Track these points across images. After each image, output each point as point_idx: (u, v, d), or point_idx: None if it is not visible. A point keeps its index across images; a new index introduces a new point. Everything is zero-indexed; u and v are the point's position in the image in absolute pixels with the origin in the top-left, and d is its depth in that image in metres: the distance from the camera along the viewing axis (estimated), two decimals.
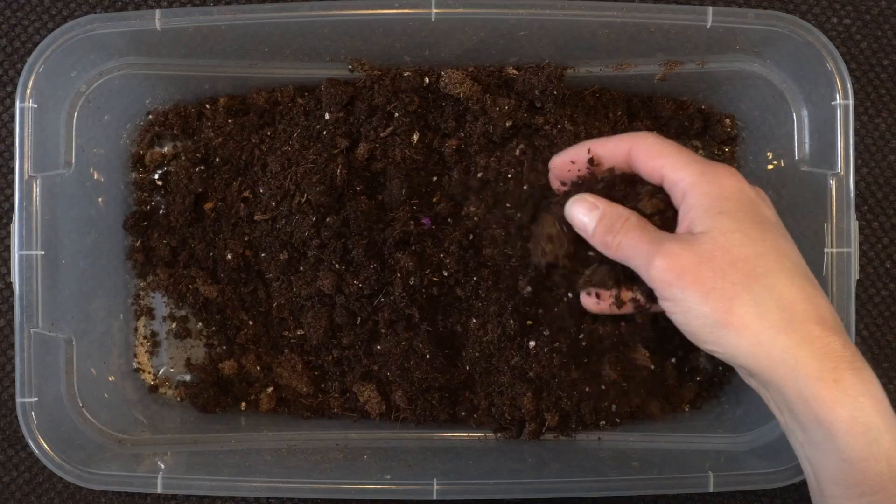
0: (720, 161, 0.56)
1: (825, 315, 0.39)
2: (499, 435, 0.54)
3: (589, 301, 0.48)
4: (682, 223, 0.42)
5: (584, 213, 0.44)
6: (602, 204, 0.44)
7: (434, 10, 0.48)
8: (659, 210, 0.44)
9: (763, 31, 0.49)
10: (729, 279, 0.39)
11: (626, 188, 0.45)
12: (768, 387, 0.40)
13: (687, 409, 0.56)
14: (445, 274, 0.53)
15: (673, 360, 0.55)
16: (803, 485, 0.55)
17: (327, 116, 0.53)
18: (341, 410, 0.55)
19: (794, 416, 0.40)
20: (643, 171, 0.44)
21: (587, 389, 0.52)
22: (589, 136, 0.53)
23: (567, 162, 0.46)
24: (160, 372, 0.57)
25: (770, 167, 0.54)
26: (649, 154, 0.43)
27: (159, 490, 0.49)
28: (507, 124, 0.52)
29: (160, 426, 0.55)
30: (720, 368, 0.56)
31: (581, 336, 0.52)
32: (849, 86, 0.48)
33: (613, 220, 0.43)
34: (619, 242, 0.43)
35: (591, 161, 0.45)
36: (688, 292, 0.40)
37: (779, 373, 0.39)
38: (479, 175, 0.52)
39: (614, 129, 0.54)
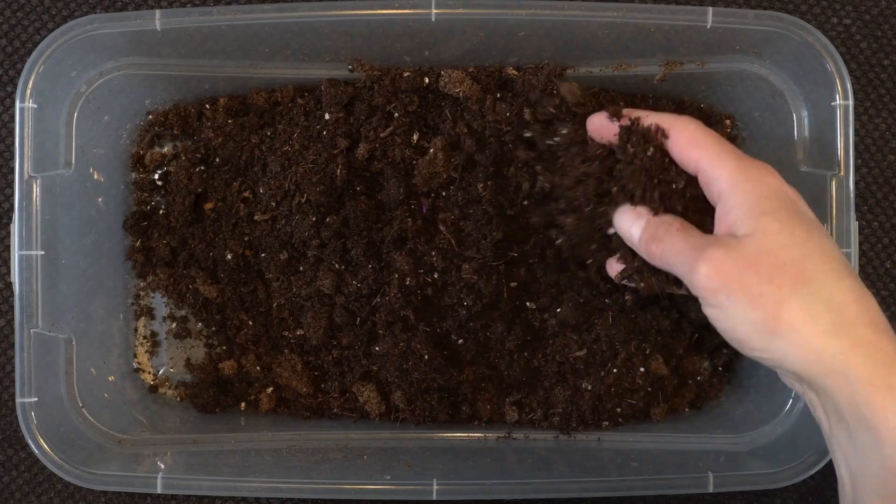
0: None
1: (876, 317, 0.38)
2: (499, 435, 0.54)
3: (615, 268, 0.47)
4: (722, 224, 0.41)
5: (630, 223, 0.44)
6: (644, 215, 0.44)
7: (434, 11, 0.48)
8: (692, 203, 0.43)
9: (763, 31, 0.49)
10: (776, 283, 0.38)
11: (656, 167, 0.44)
12: (818, 392, 0.39)
13: (687, 409, 0.56)
14: (441, 274, 0.53)
15: (673, 362, 0.55)
16: (803, 485, 0.55)
17: (327, 117, 0.53)
18: (341, 410, 0.55)
19: (843, 423, 0.38)
20: (678, 158, 0.43)
21: (589, 388, 0.52)
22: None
23: (605, 121, 0.46)
24: (160, 372, 0.57)
25: None
26: (687, 143, 0.42)
27: (159, 490, 0.49)
28: (505, 129, 0.52)
29: (160, 426, 0.55)
30: (720, 369, 0.56)
31: (596, 344, 0.52)
32: (849, 86, 0.48)
33: (657, 228, 0.43)
34: (663, 250, 0.42)
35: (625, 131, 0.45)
36: (734, 298, 0.39)
37: (830, 378, 0.38)
38: (479, 185, 0.52)
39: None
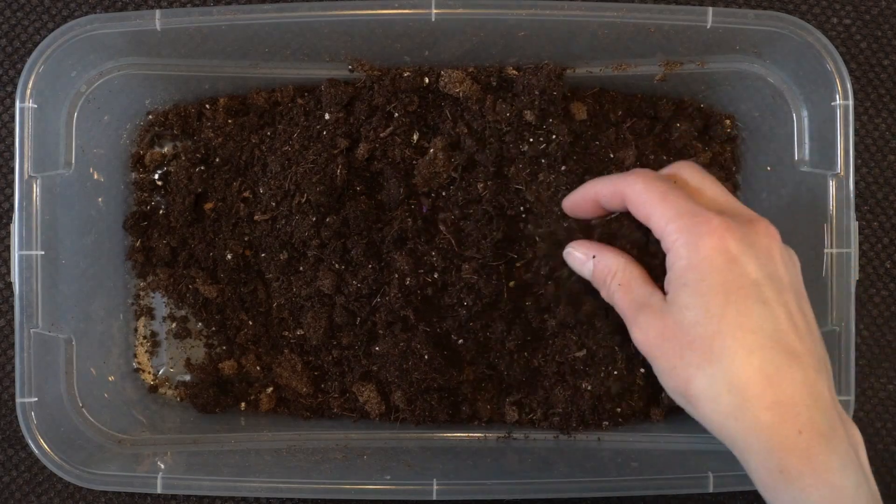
0: (720, 162, 0.56)
1: (783, 395, 0.38)
2: (499, 435, 0.54)
3: None
4: (665, 284, 0.42)
5: (580, 265, 0.46)
6: (594, 254, 0.45)
7: (434, 11, 0.48)
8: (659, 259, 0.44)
9: (763, 31, 0.49)
10: (686, 359, 0.39)
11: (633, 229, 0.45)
12: None
13: None
14: (441, 274, 0.53)
15: None
16: None
17: (327, 116, 0.53)
18: (341, 410, 0.55)
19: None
20: (637, 217, 0.43)
21: (589, 388, 0.52)
22: (587, 144, 0.53)
23: (580, 201, 0.46)
24: (160, 372, 0.57)
25: (770, 167, 0.54)
26: (636, 203, 0.42)
27: (159, 490, 0.49)
28: (505, 129, 0.52)
29: (160, 426, 0.55)
30: None
31: (595, 345, 0.52)
32: (849, 86, 0.48)
33: (604, 274, 0.44)
34: (611, 299, 0.44)
35: None
36: (656, 365, 0.41)
37: (735, 452, 0.40)
38: (480, 186, 0.52)
39: (616, 131, 0.54)
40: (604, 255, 0.45)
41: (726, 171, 0.56)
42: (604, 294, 0.45)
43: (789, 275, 0.41)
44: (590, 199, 0.45)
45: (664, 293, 0.42)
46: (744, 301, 0.39)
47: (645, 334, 0.41)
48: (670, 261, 0.41)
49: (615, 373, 0.52)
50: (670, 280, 0.41)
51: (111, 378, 0.55)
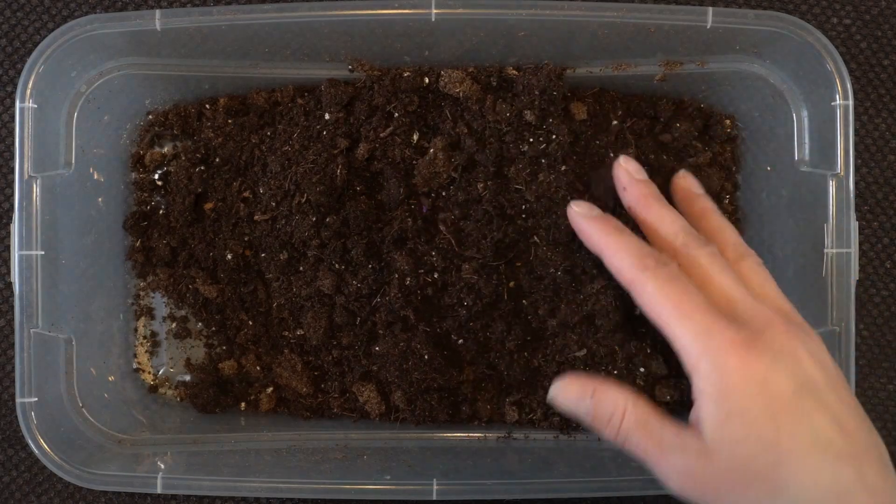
0: (720, 162, 0.56)
1: (857, 491, 0.37)
2: (499, 435, 0.54)
3: None
4: (694, 410, 0.41)
5: (575, 402, 0.43)
6: (591, 390, 0.42)
7: (434, 11, 0.48)
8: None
9: (763, 31, 0.49)
10: (754, 491, 0.38)
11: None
12: None
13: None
14: (441, 274, 0.53)
15: (674, 362, 0.55)
16: None
17: (327, 116, 0.53)
18: (341, 410, 0.55)
19: None
20: (646, 313, 0.42)
21: None
22: (587, 144, 0.53)
23: (583, 236, 0.47)
24: (160, 372, 0.57)
25: (770, 167, 0.54)
26: (646, 304, 0.42)
27: (159, 490, 0.49)
28: (505, 129, 0.52)
29: (160, 426, 0.55)
30: None
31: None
32: (849, 86, 0.48)
33: (609, 412, 0.42)
34: (623, 440, 0.42)
35: None
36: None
37: None
38: (479, 186, 0.52)
39: (617, 134, 0.54)
40: (604, 390, 0.43)
41: (726, 171, 0.56)
42: (609, 433, 0.42)
43: (819, 369, 0.40)
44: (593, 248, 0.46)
45: (686, 425, 0.40)
46: (790, 422, 0.38)
47: (688, 479, 0.39)
48: (700, 384, 0.40)
49: (615, 373, 0.52)
50: (707, 411, 0.39)
51: (111, 378, 0.55)
